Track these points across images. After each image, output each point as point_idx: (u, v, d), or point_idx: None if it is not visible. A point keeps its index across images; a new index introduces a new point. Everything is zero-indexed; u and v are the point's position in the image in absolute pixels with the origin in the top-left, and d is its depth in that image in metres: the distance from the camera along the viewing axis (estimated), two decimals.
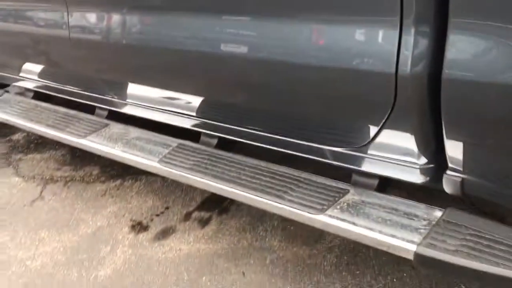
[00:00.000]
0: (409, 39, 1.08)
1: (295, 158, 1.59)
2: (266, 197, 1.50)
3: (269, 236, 2.03)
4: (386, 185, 1.52)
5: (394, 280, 1.74)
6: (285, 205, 1.45)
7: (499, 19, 0.95)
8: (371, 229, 1.32)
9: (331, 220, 1.37)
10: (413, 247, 1.23)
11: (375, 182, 1.48)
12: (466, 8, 0.98)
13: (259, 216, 2.14)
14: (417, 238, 1.26)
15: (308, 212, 1.41)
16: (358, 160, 1.41)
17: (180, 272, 1.87)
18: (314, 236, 1.99)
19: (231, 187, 1.57)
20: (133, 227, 2.16)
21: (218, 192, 1.63)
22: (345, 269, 1.81)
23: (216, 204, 2.25)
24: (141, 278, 1.86)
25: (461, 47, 1.01)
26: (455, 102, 1.06)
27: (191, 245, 2.01)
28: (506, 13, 0.93)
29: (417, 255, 1.22)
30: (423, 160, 1.30)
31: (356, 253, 1.88)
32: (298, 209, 1.43)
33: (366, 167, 1.41)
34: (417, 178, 1.33)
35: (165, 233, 2.10)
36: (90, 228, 2.18)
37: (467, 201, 1.74)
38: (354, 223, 1.34)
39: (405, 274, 1.75)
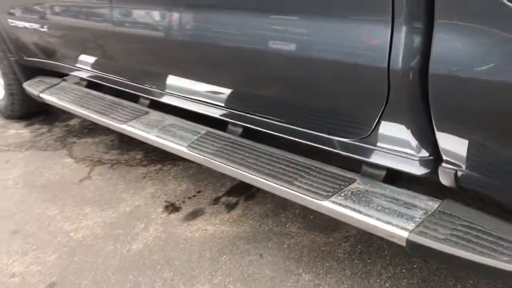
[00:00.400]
0: (400, 37, 1.15)
1: (323, 151, 1.68)
2: (277, 182, 1.61)
3: (289, 223, 2.13)
4: (396, 177, 1.58)
5: (404, 270, 1.79)
6: (293, 190, 1.56)
7: (478, 21, 1.00)
8: (369, 215, 1.39)
9: (333, 206, 1.46)
10: (405, 234, 1.30)
11: (383, 173, 1.54)
12: (449, 11, 1.04)
13: (282, 204, 2.25)
14: (411, 226, 1.32)
15: (313, 198, 1.50)
16: (362, 151, 1.49)
17: (203, 250, 2.01)
18: (332, 225, 2.07)
19: (247, 172, 1.69)
20: (166, 207, 2.34)
21: (235, 176, 1.76)
22: (357, 258, 1.88)
23: (243, 191, 2.38)
24: (168, 253, 2.02)
25: (445, 45, 1.07)
26: (441, 96, 1.12)
27: (217, 226, 2.15)
28: (483, 16, 0.98)
29: (408, 241, 1.29)
30: (423, 152, 1.36)
31: (371, 243, 1.94)
32: (304, 195, 1.52)
33: (369, 157, 1.48)
34: (416, 169, 1.39)
35: (194, 215, 2.26)
36: (129, 207, 2.37)
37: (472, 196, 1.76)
38: (354, 210, 1.42)
39: (415, 266, 1.80)
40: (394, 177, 1.57)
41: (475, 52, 1.03)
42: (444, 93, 1.11)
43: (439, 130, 1.20)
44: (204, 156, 1.85)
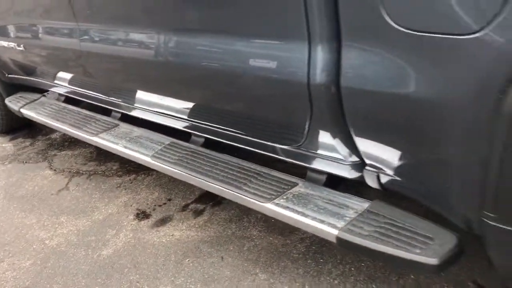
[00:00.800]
0: (315, 55, 1.30)
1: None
2: (227, 187, 1.73)
3: (251, 227, 2.25)
4: (338, 181, 1.71)
5: (352, 269, 1.91)
6: (241, 194, 1.68)
7: (373, 41, 1.15)
8: (306, 215, 1.52)
9: (275, 207, 1.59)
10: (335, 232, 1.43)
11: (324, 177, 1.67)
12: (352, 34, 1.19)
13: (247, 210, 2.36)
14: (341, 224, 1.45)
15: (258, 201, 1.63)
16: (301, 157, 1.61)
17: (169, 254, 2.13)
18: (290, 228, 2.18)
19: (201, 178, 1.82)
20: (137, 215, 2.46)
21: (192, 183, 1.89)
22: (311, 257, 2.01)
23: (211, 198, 2.50)
24: (136, 258, 2.14)
25: (351, 62, 1.21)
26: (352, 105, 1.25)
27: (183, 232, 2.28)
28: (377, 36, 1.12)
29: (337, 238, 1.42)
30: (353, 157, 1.49)
31: (324, 244, 2.06)
32: (250, 198, 1.65)
33: (308, 163, 1.61)
34: (348, 173, 1.52)
35: (163, 221, 2.38)
36: (102, 215, 2.50)
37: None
38: (293, 210, 1.55)
39: (363, 264, 1.92)
40: (336, 181, 1.70)
41: (374, 67, 1.17)
42: (354, 103, 1.25)
43: (356, 135, 1.33)
44: (164, 165, 1.98)
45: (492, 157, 1.02)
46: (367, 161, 1.41)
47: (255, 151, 1.83)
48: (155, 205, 2.53)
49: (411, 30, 1.04)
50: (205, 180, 1.81)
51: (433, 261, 1.24)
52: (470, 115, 1.02)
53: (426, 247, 1.28)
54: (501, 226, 1.08)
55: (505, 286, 1.71)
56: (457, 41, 0.96)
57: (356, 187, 1.79)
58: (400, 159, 1.30)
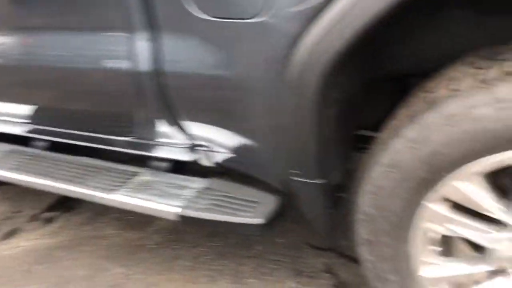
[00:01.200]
0: (138, 45, 1.39)
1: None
2: (70, 184, 1.74)
3: (106, 226, 2.26)
4: (181, 165, 1.81)
5: (206, 249, 2.04)
6: (84, 189, 1.70)
7: (183, 29, 1.28)
8: (149, 200, 1.60)
9: (119, 197, 1.64)
10: (177, 210, 1.53)
11: (166, 163, 1.76)
12: (167, 25, 1.31)
13: (101, 211, 2.37)
14: (182, 203, 1.55)
15: (101, 193, 1.67)
16: (143, 147, 1.68)
17: (17, 264, 2.05)
18: (145, 222, 2.24)
19: (44, 181, 1.79)
20: None
21: (34, 187, 1.85)
22: (166, 246, 2.09)
23: (62, 205, 2.45)
24: None
25: (170, 50, 1.33)
26: (175, 89, 1.37)
27: (34, 241, 2.20)
28: (185, 25, 1.26)
29: (180, 216, 1.52)
30: (187, 140, 1.60)
31: (177, 231, 2.16)
32: (93, 192, 1.68)
33: (150, 151, 1.68)
34: (187, 156, 1.63)
35: (10, 234, 2.27)
36: None
37: None
38: (135, 197, 1.62)
39: (213, 244, 2.06)
40: (179, 166, 1.80)
41: (190, 53, 1.30)
42: (178, 88, 1.37)
43: (185, 119, 1.45)
44: (4, 173, 1.91)
45: (286, 124, 1.21)
46: (198, 142, 1.53)
47: (103, 148, 1.86)
48: (1, 219, 2.40)
49: (209, 17, 1.19)
50: (48, 182, 1.79)
51: (259, 220, 1.41)
52: (265, 90, 1.20)
53: (253, 211, 1.45)
54: (303, 180, 1.28)
55: (330, 245, 1.97)
56: (243, 25, 1.13)
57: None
58: (223, 136, 1.45)
